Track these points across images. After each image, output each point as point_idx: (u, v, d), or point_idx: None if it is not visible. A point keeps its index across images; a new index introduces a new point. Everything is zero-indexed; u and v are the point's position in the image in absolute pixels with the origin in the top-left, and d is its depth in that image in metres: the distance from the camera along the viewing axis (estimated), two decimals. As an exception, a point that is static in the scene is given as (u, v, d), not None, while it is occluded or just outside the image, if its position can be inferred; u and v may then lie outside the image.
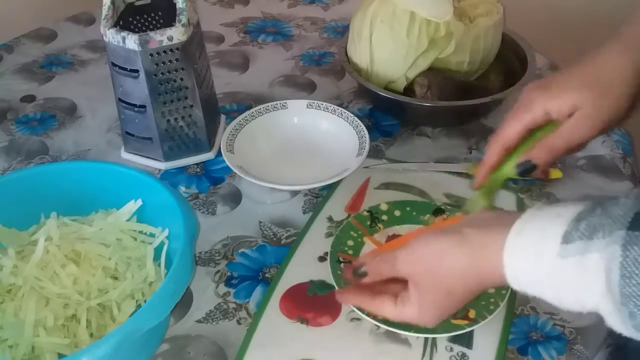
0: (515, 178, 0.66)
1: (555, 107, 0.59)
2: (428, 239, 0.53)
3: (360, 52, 0.92)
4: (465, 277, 0.51)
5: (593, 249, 0.42)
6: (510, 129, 0.61)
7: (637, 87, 0.58)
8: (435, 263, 0.52)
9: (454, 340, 0.62)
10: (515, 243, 0.47)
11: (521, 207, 0.77)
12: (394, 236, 0.72)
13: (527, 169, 0.59)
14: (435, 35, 0.87)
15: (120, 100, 0.80)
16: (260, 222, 0.77)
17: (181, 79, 0.78)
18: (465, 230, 0.51)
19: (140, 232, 0.67)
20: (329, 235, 0.73)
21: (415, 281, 0.54)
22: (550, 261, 0.44)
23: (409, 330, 0.61)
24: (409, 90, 0.91)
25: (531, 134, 0.61)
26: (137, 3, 0.83)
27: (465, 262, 0.50)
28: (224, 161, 0.80)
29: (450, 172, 0.82)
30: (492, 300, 0.64)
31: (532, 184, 0.80)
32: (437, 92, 0.88)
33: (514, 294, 0.66)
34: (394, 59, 0.90)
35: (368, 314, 0.62)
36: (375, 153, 0.87)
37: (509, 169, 0.61)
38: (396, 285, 0.56)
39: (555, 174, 0.81)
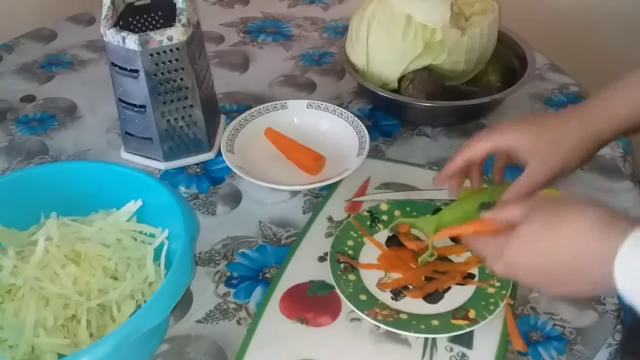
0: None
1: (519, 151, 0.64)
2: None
3: (357, 52, 0.92)
4: (581, 246, 0.49)
5: None
6: (475, 150, 0.66)
7: (589, 152, 0.63)
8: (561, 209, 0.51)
9: (454, 340, 0.62)
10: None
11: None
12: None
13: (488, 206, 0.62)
14: (431, 39, 0.87)
15: (120, 100, 0.80)
16: (260, 222, 0.77)
17: (181, 79, 0.78)
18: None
19: (140, 232, 0.67)
20: (329, 235, 0.73)
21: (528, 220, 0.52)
22: None
23: (409, 330, 0.61)
24: (398, 85, 0.91)
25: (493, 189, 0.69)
26: (137, 3, 0.83)
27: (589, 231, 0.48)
28: (224, 161, 0.80)
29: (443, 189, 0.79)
30: (492, 300, 0.64)
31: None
32: (418, 85, 0.88)
33: (514, 295, 0.66)
34: (389, 60, 0.90)
35: (368, 316, 0.62)
36: (375, 153, 0.87)
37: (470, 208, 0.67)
38: None
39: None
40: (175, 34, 0.75)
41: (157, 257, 0.64)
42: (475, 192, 0.70)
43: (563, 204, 0.51)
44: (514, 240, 0.53)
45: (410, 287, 0.67)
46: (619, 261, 0.45)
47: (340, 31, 1.15)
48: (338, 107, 0.87)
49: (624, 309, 0.66)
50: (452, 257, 0.70)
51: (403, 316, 0.63)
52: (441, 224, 0.69)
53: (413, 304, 0.65)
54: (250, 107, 0.89)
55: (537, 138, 0.63)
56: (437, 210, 0.74)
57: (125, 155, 0.86)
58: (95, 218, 0.68)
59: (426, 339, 0.63)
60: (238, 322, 0.65)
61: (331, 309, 0.66)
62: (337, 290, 0.65)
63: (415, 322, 0.62)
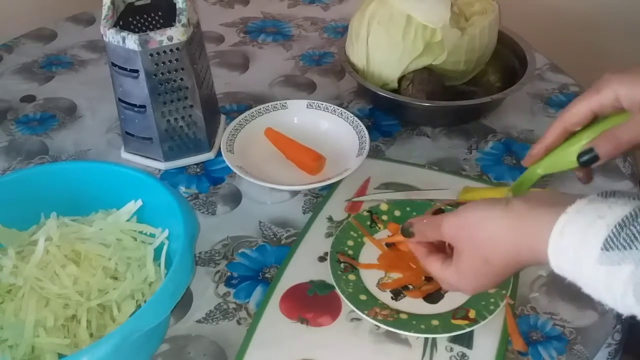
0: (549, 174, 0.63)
1: (627, 93, 0.54)
2: (475, 205, 0.53)
3: (357, 52, 0.92)
4: (503, 247, 0.50)
5: (629, 259, 0.41)
6: (576, 109, 0.57)
7: None
8: (476, 227, 0.51)
9: (454, 340, 0.62)
10: (557, 243, 0.46)
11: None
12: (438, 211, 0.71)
13: (589, 160, 0.55)
14: (431, 39, 0.87)
15: (120, 100, 0.80)
16: (260, 222, 0.77)
17: (181, 79, 0.78)
18: (512, 202, 0.50)
19: (140, 232, 0.67)
20: (329, 235, 0.73)
21: (456, 246, 0.54)
22: (590, 267, 0.43)
23: (409, 330, 0.61)
24: (398, 85, 0.91)
25: (597, 122, 0.57)
26: (137, 3, 0.83)
27: (506, 232, 0.49)
28: (224, 161, 0.80)
29: (443, 189, 0.79)
30: (492, 300, 0.64)
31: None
32: (418, 85, 0.88)
33: (514, 294, 0.66)
34: (389, 61, 0.90)
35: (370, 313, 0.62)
36: (375, 153, 0.87)
37: (570, 155, 0.58)
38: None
39: None
40: (175, 34, 0.75)
41: (157, 257, 0.64)
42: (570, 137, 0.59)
43: (477, 223, 0.52)
44: (451, 279, 0.56)
45: (410, 287, 0.67)
46: (552, 244, 0.46)
47: (340, 31, 1.16)
48: (338, 107, 0.87)
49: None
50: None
51: (403, 316, 0.63)
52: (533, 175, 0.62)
53: (413, 304, 0.65)
54: (250, 107, 0.89)
55: None
56: (437, 211, 0.74)
57: (125, 155, 0.86)
58: (95, 218, 0.68)
59: (426, 339, 0.63)
60: (238, 322, 0.65)
61: (331, 309, 0.66)
62: (337, 290, 0.65)
63: (415, 322, 0.62)
